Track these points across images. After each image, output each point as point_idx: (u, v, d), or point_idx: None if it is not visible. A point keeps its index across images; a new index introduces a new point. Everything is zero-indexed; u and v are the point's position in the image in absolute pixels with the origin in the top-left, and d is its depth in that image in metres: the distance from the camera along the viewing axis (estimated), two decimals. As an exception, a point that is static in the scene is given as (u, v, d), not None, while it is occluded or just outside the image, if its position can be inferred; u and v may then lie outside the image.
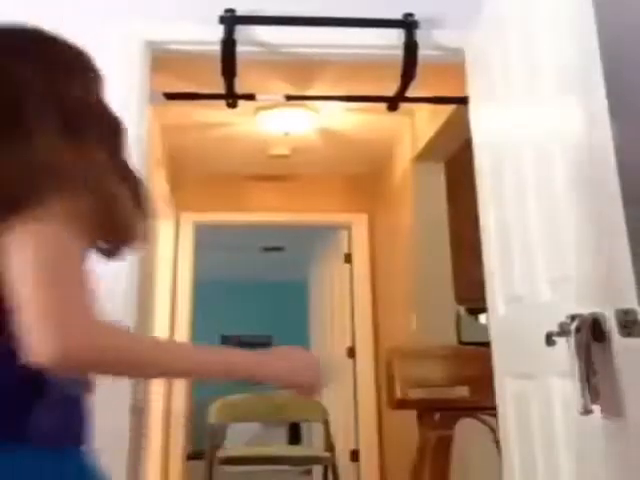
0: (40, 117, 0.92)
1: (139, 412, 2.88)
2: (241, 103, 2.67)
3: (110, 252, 0.93)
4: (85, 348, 0.80)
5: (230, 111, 2.79)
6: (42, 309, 0.78)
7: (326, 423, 3.69)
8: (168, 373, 1.01)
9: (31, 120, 0.91)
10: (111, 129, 1.06)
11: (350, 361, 4.67)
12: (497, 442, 2.10)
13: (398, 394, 2.62)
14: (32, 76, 0.97)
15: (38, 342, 0.77)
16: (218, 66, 2.28)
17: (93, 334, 0.81)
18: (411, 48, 2.28)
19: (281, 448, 5.75)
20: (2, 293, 0.81)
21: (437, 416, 2.64)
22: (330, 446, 3.61)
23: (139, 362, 0.88)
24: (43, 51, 1.05)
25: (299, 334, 6.31)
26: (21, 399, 0.86)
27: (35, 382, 0.86)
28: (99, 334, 0.82)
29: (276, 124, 3.81)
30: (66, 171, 0.86)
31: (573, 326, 1.32)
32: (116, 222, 0.89)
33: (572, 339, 1.32)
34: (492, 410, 2.02)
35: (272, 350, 1.04)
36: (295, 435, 7.11)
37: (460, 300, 3.77)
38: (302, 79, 3.22)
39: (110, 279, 2.05)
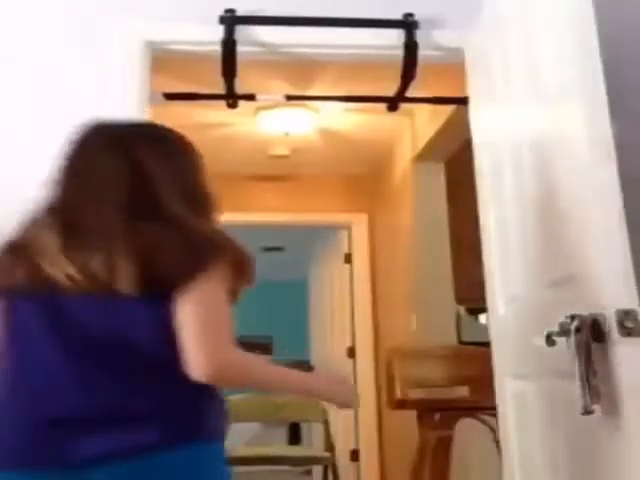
0: (175, 198, 1.20)
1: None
2: (241, 103, 2.67)
3: (236, 295, 1.23)
4: (227, 371, 1.16)
5: (230, 111, 2.79)
6: (200, 344, 1.11)
7: (326, 423, 3.69)
8: (272, 390, 1.49)
9: (171, 203, 1.19)
10: (212, 200, 1.34)
11: (350, 361, 4.67)
12: (497, 442, 2.10)
13: (398, 394, 2.62)
14: (159, 164, 1.24)
15: (197, 366, 1.11)
16: (218, 66, 2.27)
17: (232, 363, 1.17)
18: (411, 48, 2.28)
19: (281, 448, 5.74)
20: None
21: (437, 416, 2.64)
22: (330, 446, 3.61)
23: (258, 381, 1.26)
24: (163, 142, 1.33)
25: (299, 334, 6.31)
26: (199, 406, 1.16)
27: (206, 393, 1.17)
28: (236, 363, 1.18)
29: (276, 124, 3.81)
30: (216, 242, 1.18)
31: (573, 326, 1.32)
32: (247, 275, 1.23)
33: (572, 339, 1.32)
34: (492, 410, 2.02)
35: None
36: (295, 435, 7.10)
37: (460, 300, 3.77)
38: (302, 79, 3.22)
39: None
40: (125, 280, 1.10)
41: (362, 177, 4.83)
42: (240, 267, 1.20)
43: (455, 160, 3.56)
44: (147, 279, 1.11)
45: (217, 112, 3.60)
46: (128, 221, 1.15)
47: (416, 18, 2.30)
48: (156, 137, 1.33)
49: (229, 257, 1.18)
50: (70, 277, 1.12)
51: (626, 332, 1.24)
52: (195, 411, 1.16)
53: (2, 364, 1.16)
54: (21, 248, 1.18)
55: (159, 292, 1.12)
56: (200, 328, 1.12)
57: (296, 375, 1.30)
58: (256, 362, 1.26)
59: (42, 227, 1.19)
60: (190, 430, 1.14)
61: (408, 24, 2.29)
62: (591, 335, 1.30)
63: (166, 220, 1.16)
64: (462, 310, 4.06)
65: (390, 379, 2.68)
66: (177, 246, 1.13)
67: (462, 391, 2.61)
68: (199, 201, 1.28)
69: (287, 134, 3.92)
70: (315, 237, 5.44)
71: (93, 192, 1.20)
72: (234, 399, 3.68)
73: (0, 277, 1.19)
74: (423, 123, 3.69)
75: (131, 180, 1.20)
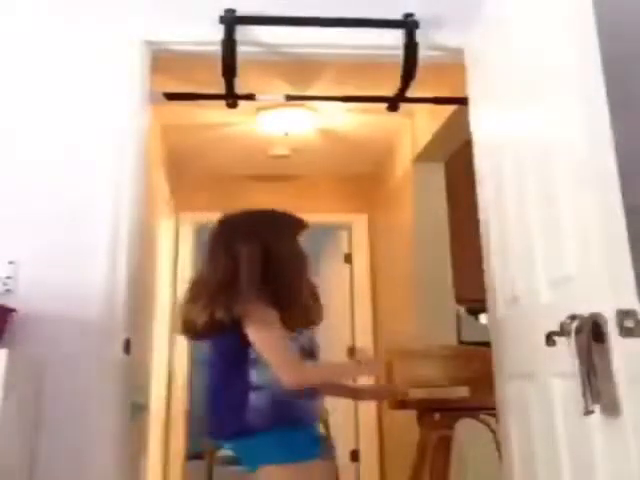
0: (248, 275, 1.80)
1: (140, 412, 2.87)
2: (241, 103, 2.67)
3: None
4: (302, 380, 1.76)
5: (230, 111, 2.79)
6: (279, 364, 1.73)
7: (326, 423, 3.68)
8: (336, 381, 2.08)
9: (243, 278, 1.79)
10: (305, 258, 1.95)
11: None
12: (497, 442, 2.09)
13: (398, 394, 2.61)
14: (243, 250, 1.84)
15: (284, 379, 1.71)
16: (218, 66, 2.27)
17: (303, 373, 1.78)
18: (411, 48, 2.28)
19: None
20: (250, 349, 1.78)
21: (437, 416, 2.63)
22: (330, 446, 3.60)
23: (326, 381, 1.96)
24: (249, 230, 1.94)
25: (299, 334, 6.29)
26: (244, 409, 1.75)
27: (247, 397, 1.75)
28: (306, 373, 1.80)
29: (276, 124, 3.80)
30: (246, 298, 1.76)
31: (573, 326, 1.32)
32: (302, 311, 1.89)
33: (572, 339, 1.32)
34: (492, 410, 2.02)
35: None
36: (295, 435, 7.08)
37: (460, 300, 3.76)
38: (302, 79, 3.22)
39: (110, 279, 2.05)
40: (202, 325, 1.77)
41: (362, 177, 4.83)
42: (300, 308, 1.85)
43: (455, 160, 3.56)
44: (211, 325, 1.76)
45: (217, 112, 3.60)
46: (219, 289, 1.78)
47: (416, 18, 2.30)
48: (246, 229, 1.95)
49: (251, 306, 1.75)
50: (194, 323, 1.81)
51: (626, 332, 1.24)
52: (244, 410, 1.76)
53: None
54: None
55: (221, 333, 1.79)
56: (270, 353, 1.74)
57: (347, 367, 2.08)
58: (320, 369, 1.93)
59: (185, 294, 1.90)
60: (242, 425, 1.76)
61: (408, 24, 2.29)
62: (591, 335, 1.30)
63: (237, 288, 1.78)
64: (462, 310, 4.06)
65: (390, 379, 2.68)
66: (224, 301, 1.75)
67: (462, 391, 2.61)
68: (280, 269, 1.85)
69: (287, 134, 3.91)
70: (315, 237, 5.43)
71: (207, 272, 1.87)
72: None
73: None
74: (423, 123, 3.69)
75: (227, 266, 1.82)
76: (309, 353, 1.87)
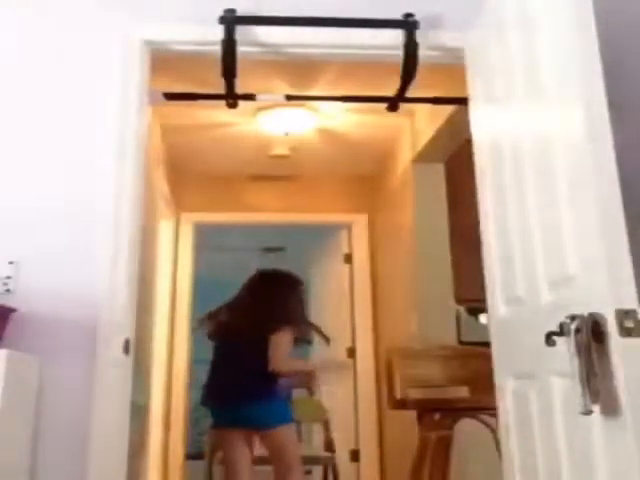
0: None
1: (140, 411, 2.87)
2: (241, 103, 2.67)
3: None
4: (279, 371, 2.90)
5: (230, 111, 2.79)
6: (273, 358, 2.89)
7: (326, 423, 3.69)
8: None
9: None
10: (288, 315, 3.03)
11: (350, 361, 4.66)
12: (497, 442, 2.10)
13: (398, 394, 2.62)
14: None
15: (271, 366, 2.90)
16: (218, 66, 2.27)
17: (280, 367, 2.89)
18: (411, 48, 2.28)
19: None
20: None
21: (437, 416, 2.64)
22: (330, 446, 3.61)
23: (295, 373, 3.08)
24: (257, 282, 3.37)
25: (299, 334, 6.28)
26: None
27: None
28: (282, 366, 2.89)
29: (276, 124, 3.81)
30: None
31: (573, 326, 1.32)
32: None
33: (572, 339, 1.32)
34: (492, 410, 2.02)
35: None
36: (295, 435, 7.07)
37: (460, 300, 3.76)
38: (302, 79, 3.22)
39: (110, 279, 2.05)
40: None
41: (362, 177, 4.83)
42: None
43: (455, 160, 3.56)
44: None
45: (217, 112, 3.60)
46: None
47: (416, 18, 2.30)
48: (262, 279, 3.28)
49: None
50: None
51: (626, 332, 1.24)
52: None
53: None
54: None
55: None
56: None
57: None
58: (290, 365, 2.89)
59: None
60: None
61: (408, 24, 2.29)
62: (591, 335, 1.30)
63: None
64: (462, 310, 4.06)
65: (390, 379, 2.68)
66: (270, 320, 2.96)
67: (462, 391, 2.62)
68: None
69: (287, 134, 3.92)
70: (315, 237, 5.43)
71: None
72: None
73: None
74: (423, 123, 3.69)
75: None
76: None
